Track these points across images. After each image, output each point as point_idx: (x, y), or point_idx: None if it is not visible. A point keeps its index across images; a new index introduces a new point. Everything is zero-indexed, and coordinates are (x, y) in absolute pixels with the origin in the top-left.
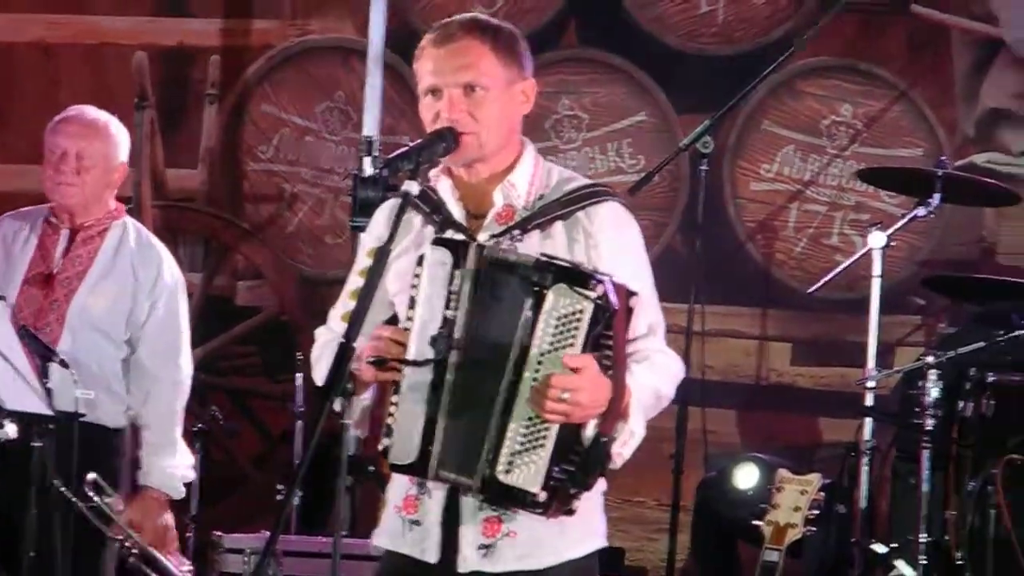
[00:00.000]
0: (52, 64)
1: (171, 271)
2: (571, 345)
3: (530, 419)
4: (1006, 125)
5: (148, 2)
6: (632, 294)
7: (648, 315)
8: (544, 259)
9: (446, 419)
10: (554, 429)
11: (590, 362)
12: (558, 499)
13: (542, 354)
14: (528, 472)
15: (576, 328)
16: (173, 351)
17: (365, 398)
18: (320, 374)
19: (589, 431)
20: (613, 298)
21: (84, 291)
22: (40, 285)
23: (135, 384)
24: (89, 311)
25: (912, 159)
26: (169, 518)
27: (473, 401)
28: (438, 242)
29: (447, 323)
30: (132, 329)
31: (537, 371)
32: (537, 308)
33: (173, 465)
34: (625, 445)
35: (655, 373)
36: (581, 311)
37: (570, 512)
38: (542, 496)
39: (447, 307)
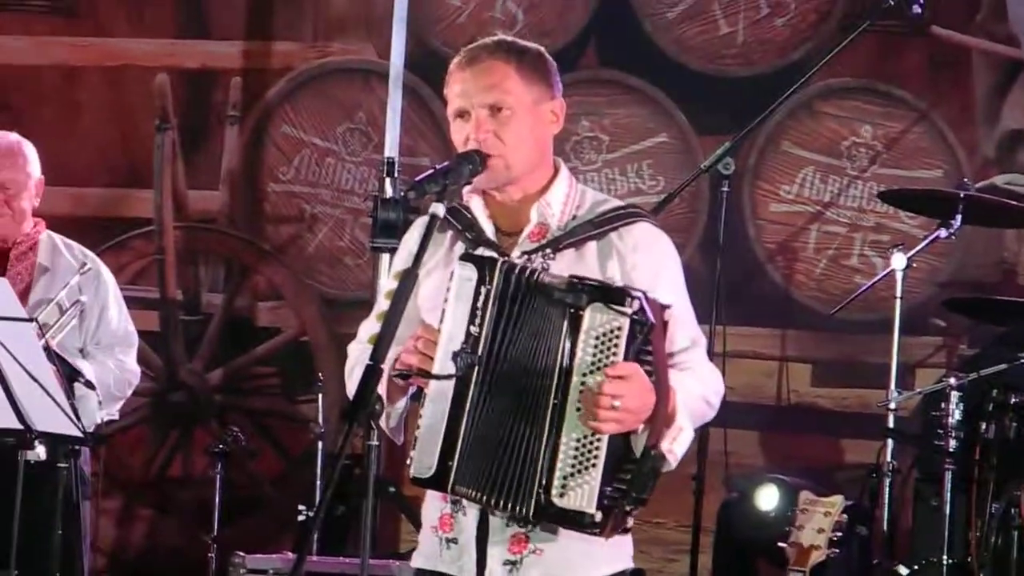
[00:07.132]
0: (75, 86)
1: (107, 273)
2: (613, 362)
3: (579, 439)
4: None
5: (170, 24)
6: (665, 307)
7: (688, 329)
8: (575, 279)
9: (468, 436)
10: (604, 446)
11: (635, 369)
12: (613, 518)
13: (584, 374)
14: (582, 493)
15: (616, 345)
16: (125, 348)
17: (400, 405)
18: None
19: (639, 444)
20: (649, 312)
21: (31, 306)
22: None
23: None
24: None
25: (932, 180)
26: None
27: (500, 421)
28: (465, 258)
29: (470, 339)
30: (86, 336)
31: (581, 391)
32: (575, 330)
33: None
34: (675, 441)
35: (700, 381)
36: (619, 327)
37: (626, 530)
38: (598, 516)
39: (471, 323)
